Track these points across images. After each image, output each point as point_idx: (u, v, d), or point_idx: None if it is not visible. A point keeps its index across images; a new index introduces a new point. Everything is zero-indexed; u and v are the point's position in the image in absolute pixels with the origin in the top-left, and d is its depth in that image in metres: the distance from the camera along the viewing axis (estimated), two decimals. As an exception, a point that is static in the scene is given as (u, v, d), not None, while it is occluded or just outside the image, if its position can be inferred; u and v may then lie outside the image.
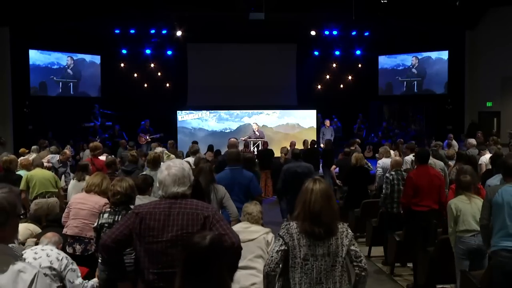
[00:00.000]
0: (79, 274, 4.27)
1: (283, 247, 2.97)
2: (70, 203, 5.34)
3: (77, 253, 4.97)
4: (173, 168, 2.93)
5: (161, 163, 5.64)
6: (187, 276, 2.17)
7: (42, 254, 4.09)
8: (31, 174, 7.12)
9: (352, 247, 3.02)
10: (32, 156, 10.03)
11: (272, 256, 2.99)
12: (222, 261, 2.24)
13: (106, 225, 4.18)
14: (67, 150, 9.88)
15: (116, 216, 4.17)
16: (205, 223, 2.82)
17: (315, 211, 2.94)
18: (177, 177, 2.90)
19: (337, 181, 10.28)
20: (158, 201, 2.95)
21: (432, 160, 8.07)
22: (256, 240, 4.00)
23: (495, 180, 6.21)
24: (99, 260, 4.29)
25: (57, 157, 9.38)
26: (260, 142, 14.40)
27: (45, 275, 3.96)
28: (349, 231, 3.06)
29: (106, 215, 4.26)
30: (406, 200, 6.14)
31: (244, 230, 4.02)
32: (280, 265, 3.01)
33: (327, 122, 16.63)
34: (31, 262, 3.93)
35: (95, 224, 4.39)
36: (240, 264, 3.90)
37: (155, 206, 2.89)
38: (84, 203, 5.13)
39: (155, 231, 2.81)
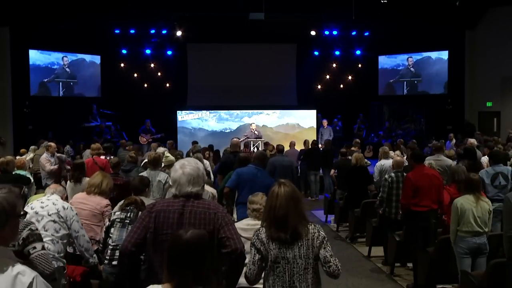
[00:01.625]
0: (82, 226, 4.36)
1: (257, 257, 2.97)
2: (70, 202, 5.31)
3: (77, 253, 4.96)
4: (188, 167, 2.92)
5: (174, 162, 5.61)
6: (170, 268, 2.16)
7: (49, 203, 4.20)
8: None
9: (322, 251, 2.97)
10: (29, 156, 10.05)
11: (250, 269, 2.98)
12: (204, 258, 2.20)
13: (118, 220, 4.29)
14: (52, 143, 9.95)
15: (128, 213, 4.30)
16: (216, 223, 2.83)
17: (280, 216, 2.92)
18: (192, 177, 2.89)
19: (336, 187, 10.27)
20: (172, 199, 2.94)
21: (437, 158, 8.14)
22: None
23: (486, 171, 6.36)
24: (105, 262, 4.28)
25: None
26: (260, 142, 14.38)
27: (54, 221, 4.08)
28: (321, 233, 3.00)
29: (118, 213, 4.38)
30: (406, 201, 6.14)
31: (251, 228, 3.99)
32: (261, 271, 3.02)
33: (325, 122, 16.65)
34: (39, 211, 4.08)
35: (107, 224, 4.45)
36: (247, 260, 3.92)
37: (169, 204, 2.89)
38: (85, 203, 5.12)
39: (169, 230, 2.80)
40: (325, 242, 3.00)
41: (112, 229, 4.32)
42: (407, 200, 6.10)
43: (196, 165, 2.96)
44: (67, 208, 4.23)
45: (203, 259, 2.19)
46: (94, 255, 4.41)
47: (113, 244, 4.24)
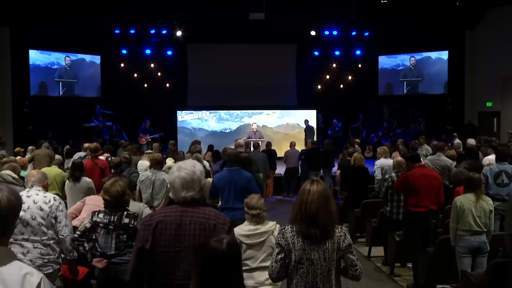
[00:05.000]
0: (67, 215, 4.22)
1: (280, 255, 2.97)
2: (86, 200, 5.22)
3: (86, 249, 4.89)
4: (183, 171, 2.79)
5: (174, 163, 5.51)
6: (206, 281, 2.15)
7: (29, 202, 4.00)
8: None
9: (349, 255, 2.98)
10: (27, 156, 10.00)
11: (272, 266, 2.99)
12: (239, 263, 2.24)
13: (101, 224, 4.07)
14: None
15: (112, 217, 4.05)
16: (216, 236, 2.76)
17: (311, 212, 2.90)
18: (185, 181, 2.77)
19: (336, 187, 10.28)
20: (170, 208, 2.84)
21: (437, 158, 8.16)
22: (267, 239, 3.99)
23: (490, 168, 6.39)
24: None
25: None
26: (260, 142, 14.37)
27: (40, 224, 3.97)
28: (348, 236, 3.00)
29: (101, 215, 4.10)
30: (397, 190, 6.33)
31: (253, 233, 3.98)
32: (284, 269, 3.01)
33: (306, 123, 16.71)
34: (22, 216, 3.88)
35: (86, 221, 4.22)
36: (254, 265, 3.92)
37: (166, 214, 2.79)
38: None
39: (166, 241, 2.72)
40: (351, 246, 3.00)
41: (96, 234, 4.10)
42: (397, 190, 6.32)
43: (192, 168, 2.82)
44: (49, 201, 4.05)
45: (237, 267, 2.21)
46: (75, 250, 4.23)
47: (100, 251, 4.07)
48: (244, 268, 3.87)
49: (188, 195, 2.78)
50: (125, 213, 4.08)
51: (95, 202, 5.13)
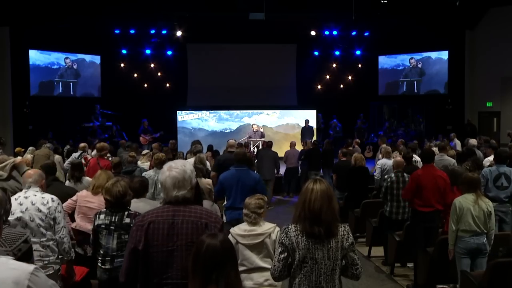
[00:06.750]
0: (65, 216, 4.24)
1: (283, 255, 2.96)
2: (76, 199, 5.21)
3: (88, 254, 4.87)
4: (174, 170, 2.81)
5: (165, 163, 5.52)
6: (203, 277, 2.15)
7: (27, 204, 3.99)
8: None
9: (351, 253, 2.99)
10: (27, 156, 10.00)
11: (275, 265, 2.99)
12: (234, 258, 2.25)
13: (103, 226, 4.06)
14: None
15: (113, 217, 4.05)
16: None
17: (315, 210, 2.90)
18: (177, 180, 2.78)
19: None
20: (161, 208, 2.85)
21: (440, 158, 8.16)
22: (262, 241, 3.99)
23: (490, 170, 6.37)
24: (98, 264, 4.21)
25: None
26: (260, 142, 14.38)
27: (38, 226, 3.98)
28: (351, 235, 3.01)
29: (102, 216, 4.10)
30: (406, 196, 6.21)
31: (249, 234, 3.98)
32: (287, 269, 3.00)
33: (306, 122, 16.71)
34: (22, 217, 3.89)
35: (92, 226, 4.24)
36: (252, 266, 3.91)
37: (158, 214, 2.80)
38: (92, 202, 5.03)
39: (159, 241, 2.73)
40: (353, 245, 3.01)
41: (99, 235, 4.12)
42: (407, 196, 6.18)
43: (183, 167, 2.84)
44: (47, 202, 4.05)
45: (232, 262, 2.22)
46: (72, 250, 4.26)
47: (103, 250, 4.07)
48: (242, 268, 3.87)
49: (179, 194, 2.79)
50: (126, 213, 4.08)
51: (86, 203, 5.09)
